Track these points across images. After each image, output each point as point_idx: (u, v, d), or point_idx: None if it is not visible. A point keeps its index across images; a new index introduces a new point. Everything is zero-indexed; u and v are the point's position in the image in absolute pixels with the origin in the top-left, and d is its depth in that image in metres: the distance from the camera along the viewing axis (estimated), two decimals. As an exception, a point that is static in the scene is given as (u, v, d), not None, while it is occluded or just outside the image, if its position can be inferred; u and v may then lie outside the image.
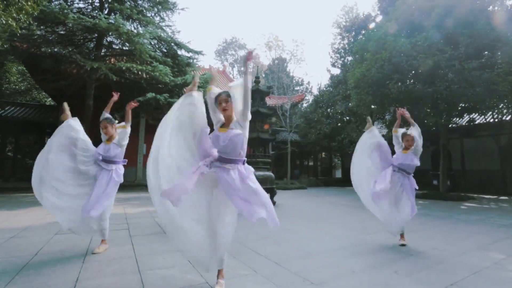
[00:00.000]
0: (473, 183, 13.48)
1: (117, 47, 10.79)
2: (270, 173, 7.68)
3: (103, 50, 10.22)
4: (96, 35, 9.63)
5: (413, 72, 7.57)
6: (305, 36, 64.00)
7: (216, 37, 67.76)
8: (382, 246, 3.53)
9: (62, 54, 8.92)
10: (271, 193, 7.68)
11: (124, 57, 10.68)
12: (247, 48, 41.87)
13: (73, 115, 3.34)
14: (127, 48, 10.62)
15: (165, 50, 10.29)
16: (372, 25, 16.21)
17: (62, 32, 9.62)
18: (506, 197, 10.25)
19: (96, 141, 3.23)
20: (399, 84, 7.80)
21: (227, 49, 39.30)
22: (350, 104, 17.63)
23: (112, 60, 10.55)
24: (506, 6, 8.68)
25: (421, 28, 7.88)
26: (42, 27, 9.34)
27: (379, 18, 15.57)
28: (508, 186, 11.76)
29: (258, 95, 7.94)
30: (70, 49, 9.81)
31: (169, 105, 9.18)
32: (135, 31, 8.75)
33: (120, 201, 7.64)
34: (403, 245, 3.51)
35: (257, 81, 8.16)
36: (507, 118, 11.50)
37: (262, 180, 7.62)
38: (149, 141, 13.65)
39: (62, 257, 2.92)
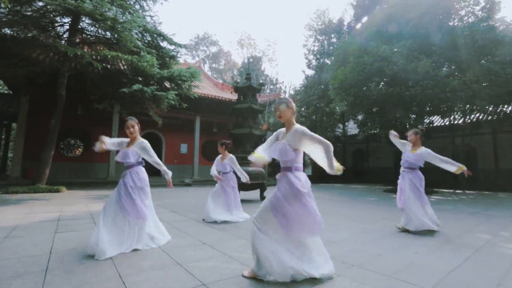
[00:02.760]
0: (432, 180, 15.07)
1: (92, 34, 9.99)
2: (261, 169, 7.79)
3: (75, 36, 9.37)
4: (70, 19, 8.81)
5: (392, 76, 8.27)
6: (277, 36, 65.02)
7: (188, 32, 65.56)
8: (389, 233, 3.85)
9: (32, 38, 7.99)
10: (262, 188, 7.82)
11: (100, 46, 9.93)
12: (219, 44, 41.37)
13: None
14: (103, 35, 9.90)
15: (146, 41, 9.78)
16: (351, 31, 17.11)
17: (27, 13, 8.63)
18: (460, 191, 11.65)
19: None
20: (380, 86, 8.45)
21: (199, 44, 38.41)
22: (322, 105, 18.48)
23: (86, 48, 9.73)
24: (463, 22, 9.83)
25: (399, 36, 8.64)
26: (2, 5, 8.28)
27: (353, 24, 16.52)
28: (461, 182, 13.36)
29: (250, 91, 7.99)
30: (36, 33, 8.83)
31: (155, 98, 8.81)
32: (122, 18, 8.16)
33: (102, 198, 7.14)
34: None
35: (248, 77, 8.20)
36: (460, 122, 13.08)
37: (254, 176, 7.71)
38: (122, 136, 12.92)
39: (83, 255, 2.72)
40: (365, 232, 3.89)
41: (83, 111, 11.73)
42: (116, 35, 9.11)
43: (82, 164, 12.75)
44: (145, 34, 9.52)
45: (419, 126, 4.34)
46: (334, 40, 20.86)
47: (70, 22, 8.91)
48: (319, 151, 2.25)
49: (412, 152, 3.99)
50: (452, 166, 3.68)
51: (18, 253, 2.72)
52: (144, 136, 15.60)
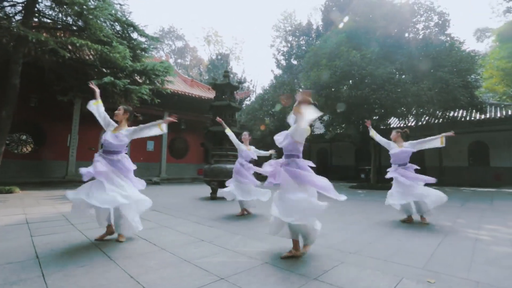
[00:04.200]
0: (384, 177, 16.59)
1: (51, 18, 9.02)
2: (239, 167, 7.84)
3: (31, 19, 8.37)
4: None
5: (361, 79, 8.94)
6: (244, 35, 65.12)
7: (152, 24, 62.04)
8: (369, 224, 4.23)
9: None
10: (240, 186, 7.87)
11: (59, 32, 9.02)
12: (185, 39, 40.03)
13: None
14: (64, 20, 9.01)
15: (115, 31, 9.10)
16: (319, 35, 17.86)
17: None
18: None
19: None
20: (344, 88, 9.07)
21: (164, 38, 36.78)
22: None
23: (43, 33, 8.75)
24: (418, 34, 10.96)
25: (367, 43, 9.36)
26: None
27: (322, 29, 17.28)
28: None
29: (228, 89, 7.98)
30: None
31: (126, 92, 8.31)
32: (93, 3, 7.43)
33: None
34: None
35: (226, 75, 8.19)
36: (413, 124, 14.58)
37: (231, 172, 7.74)
38: (83, 132, 11.92)
39: (77, 258, 2.54)
40: (349, 224, 4.21)
41: (37, 103, 10.55)
42: (80, 22, 8.39)
43: (34, 162, 11.47)
44: (114, 23, 8.86)
45: (403, 128, 4.75)
46: (302, 42, 21.63)
47: (25, 3, 7.94)
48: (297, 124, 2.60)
49: (400, 148, 4.40)
50: (435, 141, 4.13)
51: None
52: (108, 132, 14.46)
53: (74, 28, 8.90)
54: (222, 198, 7.48)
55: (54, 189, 9.16)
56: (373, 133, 4.69)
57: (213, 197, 7.56)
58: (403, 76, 9.78)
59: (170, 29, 37.50)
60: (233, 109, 7.92)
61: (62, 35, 8.53)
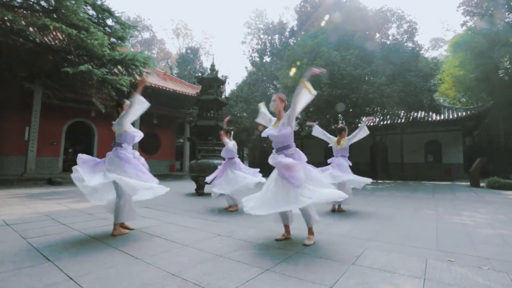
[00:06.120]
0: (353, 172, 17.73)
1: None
2: (226, 163, 7.77)
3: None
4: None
5: (341, 79, 9.40)
6: (215, 30, 63.89)
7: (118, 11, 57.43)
8: (363, 216, 4.51)
9: None
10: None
11: (20, 11, 8.00)
12: (152, 30, 38.04)
13: None
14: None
15: (88, 16, 8.28)
16: (294, 34, 18.19)
17: None
18: (381, 181, 14.04)
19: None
20: (329, 87, 9.49)
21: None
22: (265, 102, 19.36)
23: None
24: (388, 40, 11.85)
25: (347, 44, 9.86)
26: None
27: (297, 28, 17.67)
28: (378, 174, 16.10)
29: (215, 83, 7.84)
30: None
31: (103, 83, 7.69)
32: None
33: (39, 196, 5.89)
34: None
35: (213, 69, 8.02)
36: (380, 123, 15.72)
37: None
38: (44, 124, 10.73)
39: (96, 258, 2.35)
40: (344, 216, 4.42)
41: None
42: (43, 2, 7.55)
43: (-17, 158, 10.07)
44: (87, 7, 8.07)
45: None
46: (276, 41, 21.90)
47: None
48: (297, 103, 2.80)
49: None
50: (364, 127, 4.64)
51: (5, 266, 2.15)
52: (73, 126, 13.46)
53: (37, 7, 7.97)
54: (209, 194, 7.39)
55: (13, 187, 8.16)
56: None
57: (200, 193, 7.41)
58: (380, 78, 10.48)
59: (136, 19, 35.31)
60: (220, 104, 7.80)
61: (21, 15, 7.57)
